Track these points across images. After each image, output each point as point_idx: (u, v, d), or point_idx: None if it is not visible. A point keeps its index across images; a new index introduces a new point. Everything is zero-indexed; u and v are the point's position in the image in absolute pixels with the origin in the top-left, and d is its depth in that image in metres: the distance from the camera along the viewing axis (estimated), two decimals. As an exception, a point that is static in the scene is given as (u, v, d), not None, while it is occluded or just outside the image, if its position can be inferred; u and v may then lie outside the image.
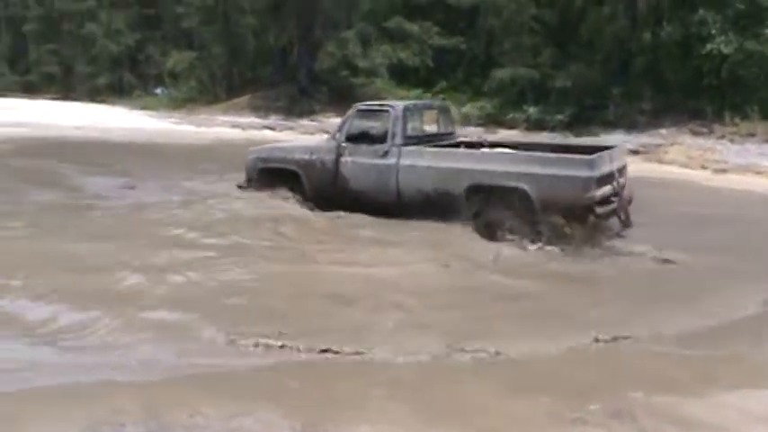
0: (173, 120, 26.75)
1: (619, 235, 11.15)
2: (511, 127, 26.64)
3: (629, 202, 11.52)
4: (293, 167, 12.70)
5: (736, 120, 23.86)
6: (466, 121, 27.45)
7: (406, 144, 11.88)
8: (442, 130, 13.29)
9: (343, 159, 12.25)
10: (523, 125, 26.58)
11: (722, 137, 23.73)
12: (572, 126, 25.82)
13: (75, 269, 8.61)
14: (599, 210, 10.67)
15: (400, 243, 10.52)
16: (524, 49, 28.76)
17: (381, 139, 12.07)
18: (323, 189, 12.40)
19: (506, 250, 10.30)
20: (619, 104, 25.77)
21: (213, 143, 23.67)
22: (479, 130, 26.49)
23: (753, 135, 23.40)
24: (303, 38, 31.94)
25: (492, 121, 27.25)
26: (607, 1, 28.71)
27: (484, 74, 29.64)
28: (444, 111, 13.85)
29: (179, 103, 33.53)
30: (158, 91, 39.17)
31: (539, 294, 8.50)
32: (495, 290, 8.65)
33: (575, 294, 8.60)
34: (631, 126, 25.05)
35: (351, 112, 12.61)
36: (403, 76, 31.02)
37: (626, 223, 11.31)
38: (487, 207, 11.07)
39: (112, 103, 37.75)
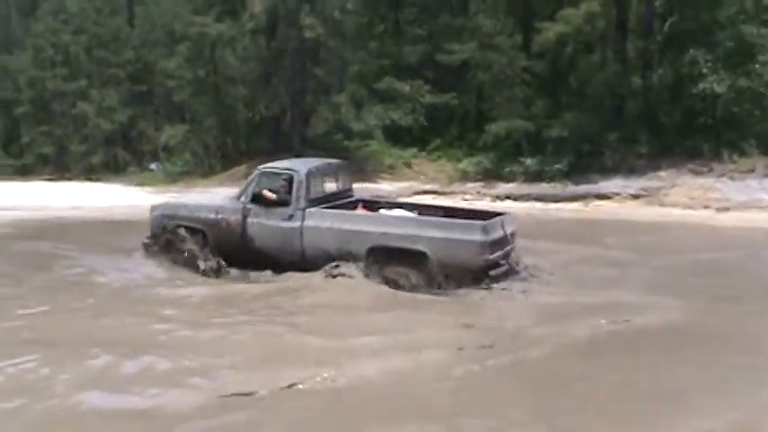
0: (170, 194, 26.66)
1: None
2: (509, 180, 26.80)
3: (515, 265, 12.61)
4: (199, 226, 13.38)
5: (735, 157, 24.10)
6: (464, 177, 27.65)
7: (309, 206, 12.68)
8: (341, 188, 14.01)
9: (249, 220, 12.94)
10: (522, 177, 26.73)
11: (722, 175, 23.90)
12: (570, 175, 25.96)
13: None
14: (492, 272, 11.79)
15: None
16: (517, 101, 29.01)
17: (285, 202, 12.78)
18: (228, 247, 13.08)
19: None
20: (615, 150, 25.97)
21: None
22: (478, 185, 26.68)
23: (752, 171, 23.62)
24: (295, 105, 32.20)
25: (490, 175, 27.41)
26: (596, 48, 29.01)
27: (478, 129, 29.93)
28: (344, 170, 14.58)
29: (175, 177, 33.58)
30: (153, 166, 39.32)
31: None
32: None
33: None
34: (630, 170, 25.24)
35: (255, 174, 13.35)
36: (397, 136, 31.15)
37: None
38: (389, 265, 12.01)
39: (108, 180, 37.66)
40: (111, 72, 43.35)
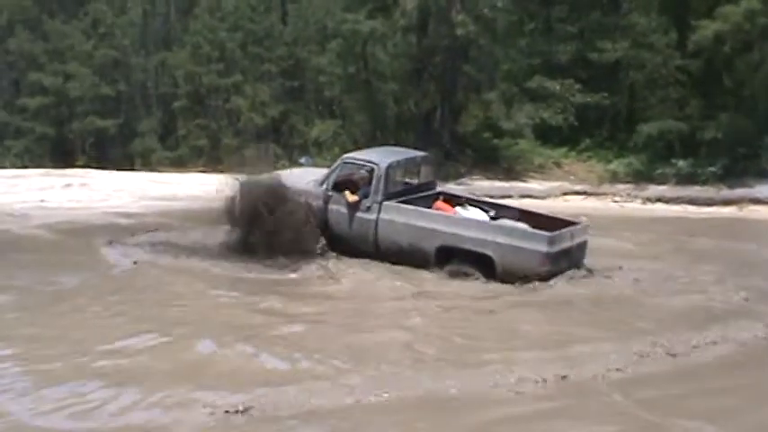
0: None
1: None
2: (660, 182, 26.66)
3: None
4: None
5: None
6: (614, 178, 27.65)
7: (386, 199, 13.57)
8: (423, 181, 14.99)
9: (329, 207, 13.93)
10: (673, 180, 26.58)
11: None
12: (724, 178, 25.67)
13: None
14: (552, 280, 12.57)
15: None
16: (670, 101, 28.87)
17: (364, 193, 13.73)
18: None
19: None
20: (773, 153, 25.54)
21: None
22: (628, 186, 26.65)
23: None
24: (445, 102, 32.51)
25: (641, 177, 27.32)
26: (755, 47, 28.46)
27: (629, 129, 29.80)
28: (427, 163, 15.49)
29: None
30: (303, 160, 40.40)
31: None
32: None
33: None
34: (788, 175, 24.83)
35: (338, 162, 14.39)
36: (547, 136, 31.34)
37: None
38: (455, 262, 13.02)
39: None
40: (264, 68, 44.89)
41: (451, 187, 27.91)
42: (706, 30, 26.70)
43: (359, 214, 13.69)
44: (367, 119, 36.44)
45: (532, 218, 14.13)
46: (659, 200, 25.89)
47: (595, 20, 32.44)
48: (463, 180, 29.14)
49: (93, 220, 19.66)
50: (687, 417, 8.13)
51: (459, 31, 30.72)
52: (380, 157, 14.35)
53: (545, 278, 12.62)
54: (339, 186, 14.02)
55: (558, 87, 30.87)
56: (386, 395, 8.48)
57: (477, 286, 12.95)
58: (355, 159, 14.57)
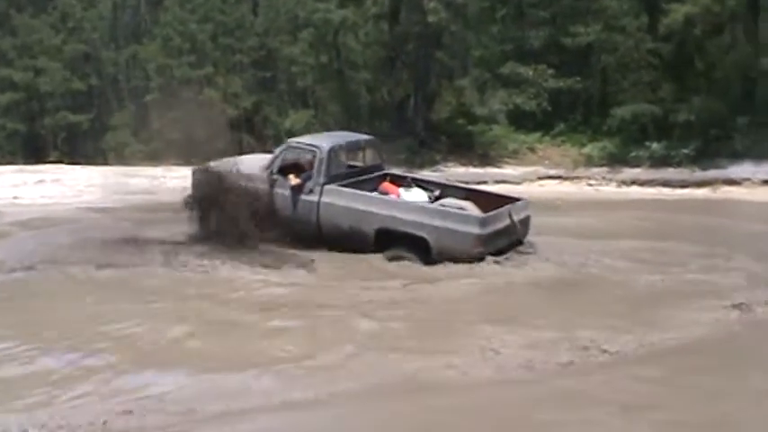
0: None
1: None
2: (634, 165, 26.86)
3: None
4: None
5: None
6: (588, 162, 27.82)
7: (329, 182, 13.77)
8: (369, 164, 15.30)
9: (274, 191, 14.01)
10: (647, 163, 26.77)
11: None
12: (698, 160, 25.89)
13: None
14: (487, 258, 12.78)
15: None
16: (643, 84, 29.04)
17: (307, 176, 13.87)
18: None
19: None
20: (745, 134, 25.76)
21: None
22: (602, 170, 26.81)
23: None
24: (418, 89, 32.56)
25: (615, 160, 27.54)
26: (726, 29, 28.66)
27: (602, 113, 30.00)
28: (371, 146, 15.85)
29: None
30: (277, 151, 40.43)
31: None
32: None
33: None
34: (760, 155, 25.02)
35: (283, 146, 14.71)
36: (520, 121, 31.46)
37: None
38: (393, 246, 13.24)
39: None
40: (236, 59, 44.81)
41: (427, 174, 28.11)
42: (677, 13, 26.96)
43: (302, 197, 13.86)
44: (340, 108, 36.52)
45: (478, 196, 14.43)
46: (634, 182, 26.13)
47: (567, 4, 32.59)
48: (438, 167, 29.25)
49: (67, 216, 19.45)
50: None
51: (431, 18, 30.89)
52: (323, 141, 14.61)
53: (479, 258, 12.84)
54: (285, 171, 14.16)
55: (530, 73, 30.96)
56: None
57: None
58: (299, 144, 14.76)
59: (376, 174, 15.04)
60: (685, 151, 26.37)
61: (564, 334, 9.69)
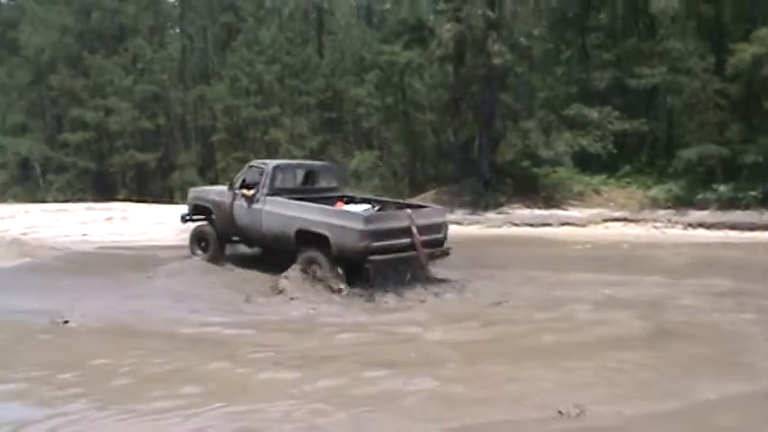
0: None
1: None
2: (701, 208, 26.84)
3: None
4: (208, 205, 17.26)
5: None
6: (654, 204, 27.87)
7: (272, 195, 15.81)
8: (324, 186, 17.36)
9: (235, 203, 16.33)
10: (714, 205, 26.71)
11: None
12: (766, 202, 25.83)
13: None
14: (373, 258, 14.07)
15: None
16: (710, 125, 29.03)
17: (257, 189, 16.01)
18: (223, 224, 16.83)
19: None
20: (816, 177, 25.63)
21: None
22: (668, 212, 26.85)
23: None
24: (483, 131, 32.78)
25: (681, 202, 27.56)
26: (796, 68, 28.53)
27: (668, 155, 30.12)
28: (327, 170, 18.22)
29: None
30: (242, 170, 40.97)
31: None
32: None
33: None
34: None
35: (246, 167, 16.95)
36: (585, 163, 31.70)
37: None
38: (306, 247, 14.82)
39: None
40: (302, 100, 45.81)
41: (491, 216, 28.51)
42: (744, 53, 26.99)
43: (252, 206, 15.98)
44: (405, 149, 37.09)
45: (405, 207, 16.37)
46: (701, 225, 26.03)
47: (632, 46, 32.85)
48: (503, 209, 29.51)
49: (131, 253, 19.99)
50: None
51: (496, 60, 31.07)
52: (272, 161, 17.30)
53: (369, 253, 14.06)
54: (249, 188, 16.21)
55: (595, 114, 31.09)
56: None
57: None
58: (256, 164, 17.00)
59: (334, 195, 17.06)
60: (753, 193, 26.34)
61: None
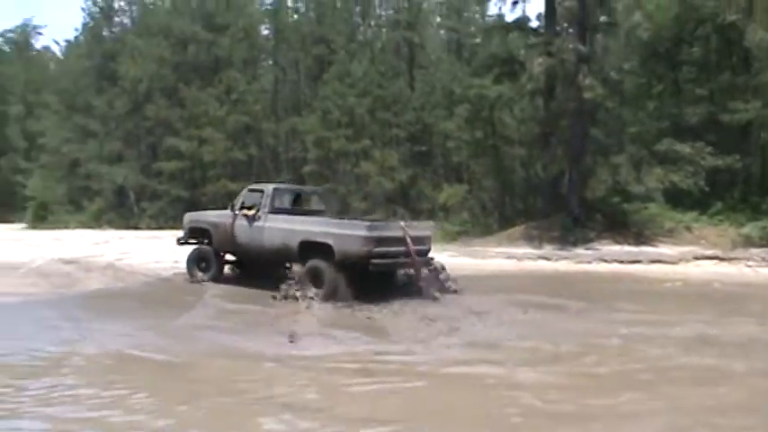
0: (449, 252, 27.76)
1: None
2: (800, 245, 26.50)
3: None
4: (206, 226, 19.35)
5: None
6: (747, 242, 27.63)
7: (272, 213, 18.03)
8: (314, 208, 20.04)
9: (236, 222, 18.39)
10: (814, 242, 26.40)
11: None
12: None
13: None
14: (375, 261, 16.27)
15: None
16: (806, 162, 28.75)
17: (258, 209, 18.18)
18: (221, 242, 18.90)
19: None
20: None
21: (495, 274, 24.20)
22: (762, 251, 26.57)
23: None
24: (573, 166, 32.70)
25: (777, 240, 27.26)
26: None
27: (762, 191, 29.84)
28: (318, 195, 21.73)
29: (452, 236, 34.72)
30: (431, 224, 41.44)
31: None
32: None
33: None
34: None
35: (244, 190, 19.30)
36: (676, 200, 31.52)
37: (442, 289, 17.20)
38: (311, 256, 16.74)
39: None
40: (392, 133, 46.66)
41: (579, 252, 28.59)
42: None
43: (254, 224, 18.07)
44: (495, 184, 37.31)
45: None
46: (797, 264, 25.65)
47: (725, 81, 32.66)
48: (592, 245, 29.46)
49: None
50: None
51: (587, 95, 31.14)
52: (271, 184, 19.92)
53: (371, 257, 16.22)
54: (249, 209, 18.34)
55: (688, 150, 30.88)
56: None
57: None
58: (254, 187, 19.55)
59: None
60: None
61: None
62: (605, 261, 27.09)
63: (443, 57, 53.17)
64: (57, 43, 79.37)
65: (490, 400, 9.49)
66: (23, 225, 54.89)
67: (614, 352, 12.33)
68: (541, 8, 34.97)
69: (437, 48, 55.86)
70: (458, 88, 40.22)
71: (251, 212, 18.20)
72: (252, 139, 52.87)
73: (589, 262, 26.82)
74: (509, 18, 38.26)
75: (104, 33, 61.26)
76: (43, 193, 57.54)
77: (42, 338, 12.72)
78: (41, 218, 55.17)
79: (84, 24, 62.13)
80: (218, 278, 19.08)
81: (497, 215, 36.47)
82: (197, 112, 51.13)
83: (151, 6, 60.40)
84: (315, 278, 16.47)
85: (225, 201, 49.42)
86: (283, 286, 16.60)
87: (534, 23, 36.47)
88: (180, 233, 20.81)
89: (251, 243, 18.22)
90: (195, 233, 19.68)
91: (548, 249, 29.04)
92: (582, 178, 32.99)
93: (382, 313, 15.38)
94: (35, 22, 72.58)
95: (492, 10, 49.86)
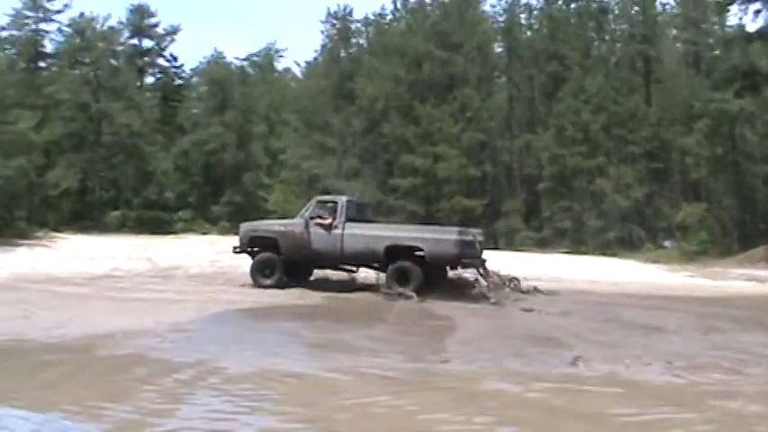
0: (686, 273, 27.56)
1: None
2: None
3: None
4: (273, 235, 21.03)
5: None
6: None
7: (348, 221, 20.33)
8: (369, 218, 22.46)
9: (312, 230, 20.41)
10: None
11: None
12: None
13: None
14: (464, 260, 19.39)
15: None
16: None
17: (333, 218, 20.46)
18: (293, 249, 20.52)
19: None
20: None
21: (733, 297, 22.20)
22: None
23: None
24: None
25: None
26: None
27: None
28: (369, 206, 25.01)
29: (690, 256, 34.60)
30: (667, 244, 41.10)
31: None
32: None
33: None
34: None
35: (312, 201, 21.89)
36: None
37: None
38: (398, 259, 19.39)
39: (623, 256, 39.61)
40: (628, 149, 46.50)
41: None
42: None
43: (331, 232, 20.25)
44: (735, 202, 36.68)
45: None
46: None
47: None
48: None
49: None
50: None
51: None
52: (342, 197, 22.28)
53: (461, 257, 19.32)
54: (320, 218, 20.65)
55: None
56: None
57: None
58: (324, 199, 22.33)
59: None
60: None
61: None
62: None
63: (681, 70, 52.38)
64: (297, 64, 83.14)
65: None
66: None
67: None
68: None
69: (674, 61, 54.95)
70: (697, 103, 39.79)
71: (327, 221, 20.47)
72: (486, 155, 53.95)
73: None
74: (751, 28, 37.27)
75: (342, 54, 64.02)
76: (284, 207, 60.67)
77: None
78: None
79: (323, 46, 64.98)
80: (282, 284, 20.52)
81: (737, 235, 35.83)
82: (432, 129, 52.58)
83: (386, 27, 62.58)
84: (400, 277, 19.20)
85: (460, 217, 52.43)
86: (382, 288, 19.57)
87: (779, 33, 35.51)
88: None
89: (327, 248, 20.39)
90: (255, 242, 21.37)
91: (791, 271, 28.06)
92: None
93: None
94: (277, 46, 76.37)
95: (732, 20, 48.74)
